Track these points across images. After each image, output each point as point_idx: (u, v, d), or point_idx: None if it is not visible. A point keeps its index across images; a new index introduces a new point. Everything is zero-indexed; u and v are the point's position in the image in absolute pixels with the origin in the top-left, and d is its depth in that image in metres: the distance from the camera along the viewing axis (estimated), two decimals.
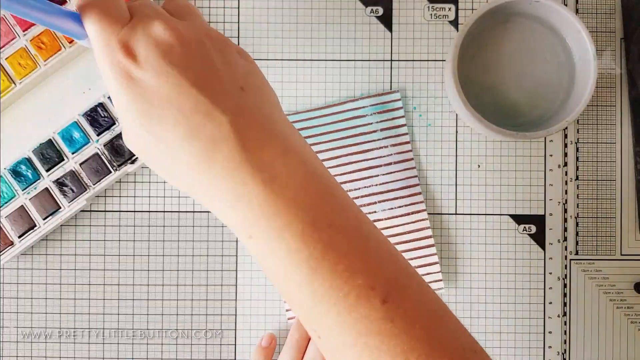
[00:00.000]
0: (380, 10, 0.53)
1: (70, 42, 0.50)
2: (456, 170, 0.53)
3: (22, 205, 0.50)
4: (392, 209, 0.52)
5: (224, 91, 0.33)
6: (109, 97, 0.51)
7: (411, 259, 0.52)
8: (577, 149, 0.53)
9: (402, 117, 0.52)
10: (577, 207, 0.53)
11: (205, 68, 0.34)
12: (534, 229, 0.53)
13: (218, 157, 0.32)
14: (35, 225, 0.51)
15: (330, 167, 0.52)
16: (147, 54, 0.33)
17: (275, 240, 0.32)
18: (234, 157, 0.32)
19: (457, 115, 0.53)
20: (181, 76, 0.33)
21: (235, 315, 0.52)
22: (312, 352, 0.49)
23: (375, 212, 0.52)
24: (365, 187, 0.52)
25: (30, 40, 0.50)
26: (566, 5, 0.53)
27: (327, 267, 0.32)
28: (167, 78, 0.33)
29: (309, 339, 0.50)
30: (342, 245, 0.32)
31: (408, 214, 0.52)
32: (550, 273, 0.53)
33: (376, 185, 0.52)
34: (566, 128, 0.53)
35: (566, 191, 0.53)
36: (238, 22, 0.53)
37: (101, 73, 0.34)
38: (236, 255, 0.52)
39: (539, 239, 0.53)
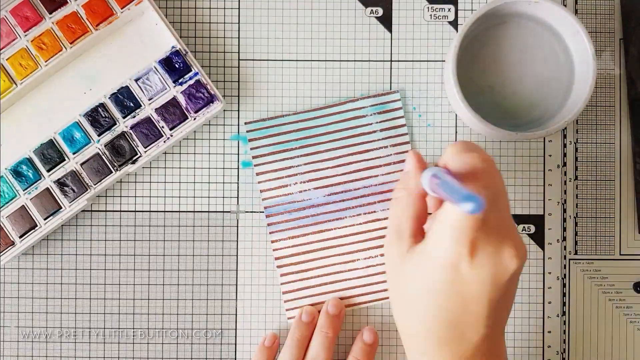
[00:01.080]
0: (380, 11, 0.53)
1: (72, 42, 0.50)
2: None
3: (23, 205, 0.51)
4: None
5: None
6: (109, 98, 0.51)
7: None
8: (576, 149, 0.53)
9: (402, 117, 0.53)
10: (576, 207, 0.53)
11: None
12: (533, 228, 0.53)
13: None
14: (36, 225, 0.51)
15: (330, 167, 0.52)
16: (484, 267, 0.38)
17: None
18: None
19: (456, 115, 0.53)
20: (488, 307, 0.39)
21: (236, 315, 0.53)
22: (314, 351, 0.50)
23: (375, 212, 0.52)
24: (365, 187, 0.52)
25: (31, 41, 0.50)
26: (565, 5, 0.53)
27: None
28: (482, 300, 0.38)
29: (310, 337, 0.50)
30: None
31: None
32: (550, 273, 0.53)
33: (376, 185, 0.52)
34: (565, 128, 0.53)
35: (565, 191, 0.53)
36: (238, 22, 0.53)
37: (436, 244, 0.38)
38: (236, 255, 0.53)
39: (538, 238, 0.53)
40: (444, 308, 0.39)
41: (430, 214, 0.43)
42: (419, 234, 0.41)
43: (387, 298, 0.52)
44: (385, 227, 0.52)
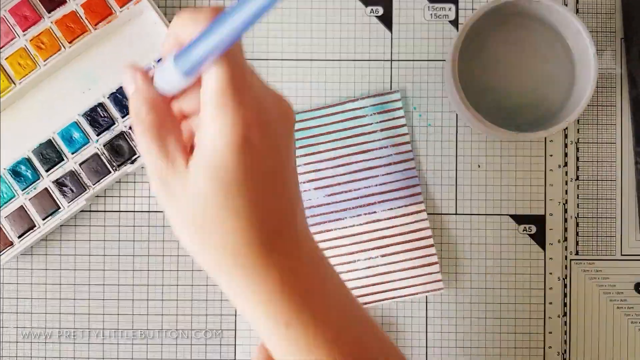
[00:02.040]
0: (380, 10, 0.53)
1: (70, 41, 0.50)
2: (456, 170, 0.53)
3: (21, 206, 0.50)
4: (392, 209, 0.52)
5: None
6: (108, 97, 0.51)
7: (411, 259, 0.52)
8: (578, 149, 0.53)
9: (402, 117, 0.52)
10: (578, 207, 0.53)
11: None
12: (534, 229, 0.53)
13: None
14: (35, 226, 0.51)
15: (330, 167, 0.52)
16: (276, 130, 0.32)
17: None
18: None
19: (457, 115, 0.53)
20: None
21: (235, 315, 0.52)
22: None
23: (375, 212, 0.52)
24: (365, 187, 0.52)
25: (30, 40, 0.50)
26: (566, 5, 0.53)
27: None
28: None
29: None
30: None
31: (408, 214, 0.52)
32: (551, 273, 0.53)
33: (376, 185, 0.52)
34: (566, 128, 0.53)
35: (566, 191, 0.53)
36: None
37: (212, 133, 0.30)
38: None
39: (539, 239, 0.53)
40: (254, 200, 0.31)
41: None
42: (186, 151, 0.32)
43: (388, 299, 0.52)
44: (385, 227, 0.52)
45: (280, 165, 0.32)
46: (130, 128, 0.51)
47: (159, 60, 0.51)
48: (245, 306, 0.33)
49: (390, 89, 0.53)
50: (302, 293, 0.33)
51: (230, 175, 0.30)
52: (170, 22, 0.52)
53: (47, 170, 0.51)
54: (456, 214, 0.53)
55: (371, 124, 0.52)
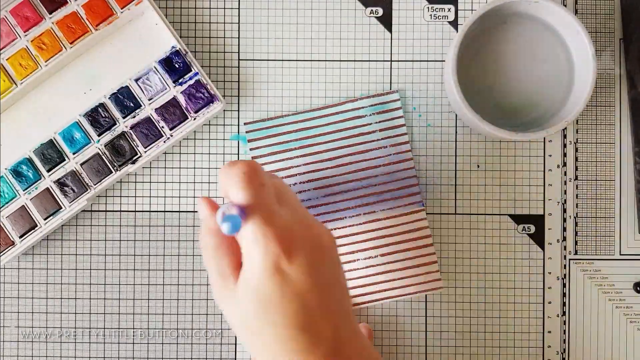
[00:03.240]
0: (380, 11, 0.53)
1: (72, 42, 0.50)
2: (456, 170, 0.53)
3: (23, 206, 0.51)
4: (391, 208, 0.52)
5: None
6: (109, 98, 0.51)
7: (410, 258, 0.52)
8: (576, 149, 0.53)
9: (402, 117, 0.53)
10: (577, 207, 0.53)
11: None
12: (533, 228, 0.53)
13: None
14: (36, 225, 0.51)
15: (330, 167, 0.52)
16: (303, 253, 0.37)
17: None
18: None
19: (456, 115, 0.53)
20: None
21: None
22: None
23: (374, 212, 0.52)
24: (365, 187, 0.52)
25: (31, 41, 0.50)
26: (565, 5, 0.53)
27: None
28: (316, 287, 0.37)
29: None
30: None
31: (407, 214, 0.52)
32: (550, 273, 0.53)
33: (376, 185, 0.52)
34: (565, 128, 0.53)
35: (565, 191, 0.53)
36: (238, 22, 0.53)
37: (250, 262, 0.37)
38: None
39: (538, 238, 0.53)
40: (288, 315, 0.37)
41: None
42: (238, 270, 0.39)
43: (388, 298, 0.52)
44: (384, 227, 0.52)
45: (314, 283, 0.37)
46: (131, 128, 0.51)
47: (160, 61, 0.51)
48: None
49: (390, 89, 0.53)
50: None
51: (266, 296, 0.37)
52: (170, 22, 0.52)
53: (48, 170, 0.51)
54: (455, 213, 0.53)
55: (370, 124, 0.52)
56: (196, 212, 0.53)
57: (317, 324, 0.37)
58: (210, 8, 0.53)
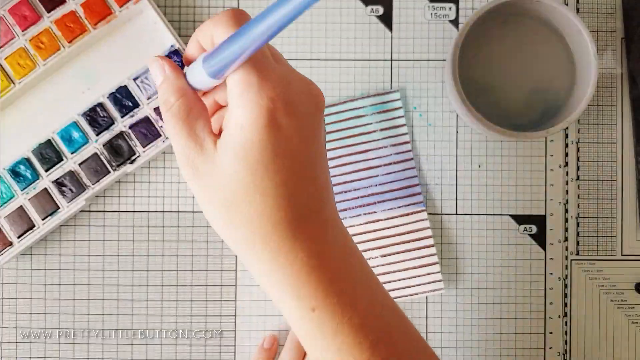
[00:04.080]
0: (381, 10, 0.53)
1: (70, 41, 0.50)
2: (456, 170, 0.53)
3: (21, 206, 0.50)
4: (392, 209, 0.52)
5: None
6: (108, 97, 0.51)
7: (411, 259, 0.52)
8: (578, 149, 0.53)
9: (402, 117, 0.52)
10: (578, 207, 0.53)
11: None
12: (534, 229, 0.53)
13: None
14: (34, 226, 0.50)
15: (330, 167, 0.52)
16: (302, 110, 0.32)
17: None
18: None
19: (457, 115, 0.53)
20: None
21: (235, 315, 0.52)
22: None
23: (375, 212, 0.52)
24: (365, 187, 0.52)
25: (30, 40, 0.50)
26: (567, 5, 0.53)
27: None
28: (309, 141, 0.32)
29: None
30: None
31: (408, 214, 0.52)
32: (551, 273, 0.53)
33: (376, 185, 0.52)
34: (567, 128, 0.53)
35: (567, 191, 0.53)
36: None
37: (242, 115, 0.31)
38: (236, 256, 0.52)
39: (540, 239, 0.53)
40: (281, 180, 0.32)
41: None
42: (214, 135, 0.33)
43: None
44: (385, 228, 0.52)
45: (307, 148, 0.32)
46: (130, 128, 0.51)
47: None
48: (272, 288, 0.34)
49: (390, 88, 0.53)
50: (330, 278, 0.33)
51: (257, 154, 0.31)
52: (169, 20, 0.52)
53: (46, 170, 0.51)
54: (456, 214, 0.53)
55: (371, 123, 0.52)
56: (196, 212, 0.52)
57: (309, 196, 0.33)
58: (209, 7, 0.53)
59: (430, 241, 0.52)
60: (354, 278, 0.34)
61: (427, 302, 0.52)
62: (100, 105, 0.51)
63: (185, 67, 0.34)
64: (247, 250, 0.33)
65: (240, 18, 0.32)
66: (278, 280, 0.33)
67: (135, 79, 0.51)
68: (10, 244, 0.50)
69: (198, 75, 0.32)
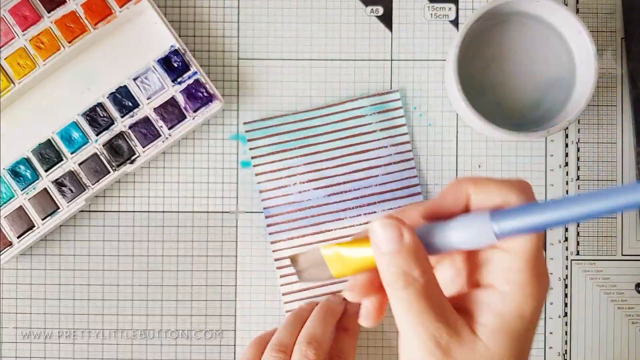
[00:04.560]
0: (380, 10, 0.53)
1: (70, 41, 0.50)
2: (457, 170, 0.53)
3: (20, 206, 0.50)
4: (392, 208, 0.52)
5: None
6: (108, 97, 0.51)
7: None
8: (578, 149, 0.53)
9: (402, 116, 0.52)
10: None
11: None
12: None
13: None
14: (34, 226, 0.50)
15: (330, 167, 0.52)
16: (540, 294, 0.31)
17: None
18: None
19: (457, 115, 0.53)
20: None
21: (235, 316, 0.52)
22: (311, 322, 0.48)
23: (375, 212, 0.52)
24: (365, 187, 0.52)
25: (30, 40, 0.50)
26: (567, 4, 0.53)
27: None
28: None
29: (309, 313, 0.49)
30: None
31: None
32: (552, 273, 0.52)
33: (376, 185, 0.52)
34: (567, 128, 0.53)
35: (567, 191, 0.53)
36: (238, 22, 0.53)
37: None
38: (236, 256, 0.52)
39: None
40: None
41: None
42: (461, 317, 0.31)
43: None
44: None
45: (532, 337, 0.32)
46: (130, 128, 0.51)
47: (158, 60, 0.51)
48: None
49: (391, 88, 0.53)
50: None
51: (522, 342, 0.30)
52: (169, 20, 0.52)
53: (46, 170, 0.50)
54: None
55: (371, 123, 0.52)
56: (196, 212, 0.52)
57: None
58: (209, 7, 0.53)
59: None
60: None
61: None
62: (100, 105, 0.51)
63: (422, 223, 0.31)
64: None
65: (530, 195, 0.31)
66: None
67: (135, 79, 0.51)
68: (10, 244, 0.50)
69: (473, 232, 0.29)
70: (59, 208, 0.51)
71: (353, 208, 0.52)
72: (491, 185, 0.30)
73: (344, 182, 0.52)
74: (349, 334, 0.50)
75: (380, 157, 0.52)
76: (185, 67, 0.51)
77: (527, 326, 0.29)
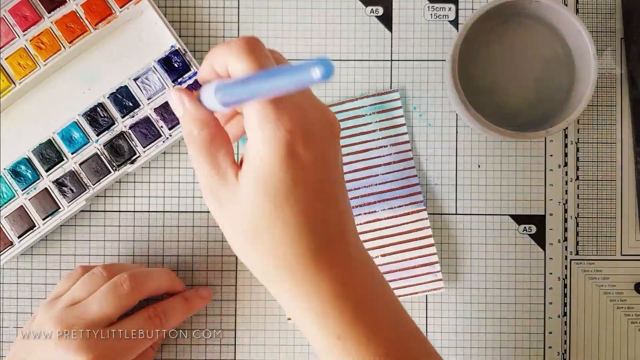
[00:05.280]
0: (380, 10, 0.53)
1: (70, 41, 0.50)
2: (456, 170, 0.53)
3: (21, 206, 0.50)
4: (392, 208, 0.52)
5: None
6: (108, 97, 0.51)
7: (411, 258, 0.52)
8: (578, 149, 0.53)
9: (402, 116, 0.52)
10: (578, 207, 0.53)
11: None
12: (534, 229, 0.53)
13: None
14: (35, 226, 0.51)
15: None
16: (321, 140, 0.33)
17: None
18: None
19: (457, 115, 0.53)
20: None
21: (235, 315, 0.52)
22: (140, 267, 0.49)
23: (375, 212, 0.52)
24: (365, 187, 0.52)
25: (30, 40, 0.50)
26: (566, 5, 0.53)
27: None
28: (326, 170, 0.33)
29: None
30: None
31: (408, 214, 0.52)
32: (551, 273, 0.53)
33: (376, 185, 0.52)
34: (566, 128, 0.53)
35: (566, 191, 0.53)
36: (238, 22, 0.53)
37: (260, 146, 0.32)
38: (235, 256, 0.52)
39: (539, 239, 0.53)
40: (301, 210, 0.32)
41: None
42: (236, 165, 0.34)
43: None
44: (385, 227, 0.52)
45: (327, 175, 0.33)
46: (130, 128, 0.51)
47: (159, 61, 0.51)
48: (298, 316, 0.34)
49: (390, 88, 0.53)
50: (354, 305, 0.34)
51: (278, 185, 0.32)
52: (169, 21, 0.52)
53: (47, 170, 0.51)
54: (456, 214, 0.53)
55: (370, 123, 0.52)
56: (196, 212, 0.52)
57: (330, 223, 0.33)
58: (209, 7, 0.53)
59: (430, 241, 0.52)
60: (378, 304, 0.35)
61: (427, 302, 0.52)
62: (101, 105, 0.51)
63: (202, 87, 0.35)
64: (270, 279, 0.34)
65: (254, 48, 0.32)
66: (302, 308, 0.34)
67: (135, 79, 0.51)
68: (11, 243, 0.51)
69: (210, 101, 0.33)
70: (59, 208, 0.51)
71: (353, 208, 0.52)
72: (221, 50, 0.33)
73: (344, 182, 0.52)
74: (185, 303, 0.49)
75: (380, 157, 0.52)
76: (186, 67, 0.51)
77: (271, 170, 0.31)
